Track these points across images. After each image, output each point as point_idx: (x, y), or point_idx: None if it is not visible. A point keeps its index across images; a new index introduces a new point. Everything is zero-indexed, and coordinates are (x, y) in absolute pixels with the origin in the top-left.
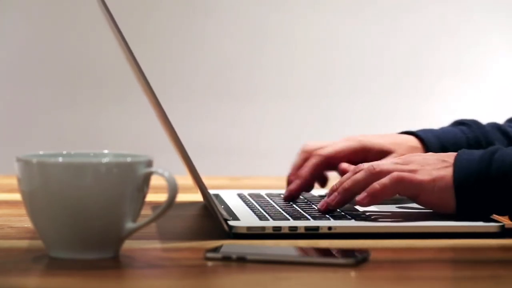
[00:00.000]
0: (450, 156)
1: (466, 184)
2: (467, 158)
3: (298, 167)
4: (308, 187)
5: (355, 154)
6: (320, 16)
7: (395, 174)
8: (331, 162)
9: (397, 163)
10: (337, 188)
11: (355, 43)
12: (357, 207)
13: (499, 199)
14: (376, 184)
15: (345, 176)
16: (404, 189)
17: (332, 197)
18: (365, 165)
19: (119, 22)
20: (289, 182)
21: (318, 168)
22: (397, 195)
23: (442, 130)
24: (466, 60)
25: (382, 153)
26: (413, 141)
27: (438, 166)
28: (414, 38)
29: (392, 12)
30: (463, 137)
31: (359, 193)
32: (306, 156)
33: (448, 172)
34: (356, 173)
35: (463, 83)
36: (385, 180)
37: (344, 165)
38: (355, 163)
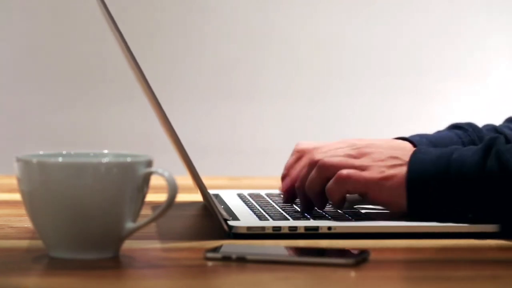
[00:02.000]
0: (406, 154)
1: (420, 185)
2: (422, 157)
3: (290, 166)
4: None
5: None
6: (321, 16)
7: (341, 172)
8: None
9: (349, 156)
10: (298, 187)
11: (356, 44)
12: (357, 207)
13: (456, 200)
14: (326, 189)
15: (303, 173)
16: (352, 187)
17: (300, 203)
18: (317, 157)
19: (119, 22)
20: (283, 187)
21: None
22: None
23: (438, 135)
24: (467, 61)
25: None
26: (408, 147)
27: (390, 163)
28: (415, 39)
29: (393, 13)
30: (458, 142)
31: (317, 190)
32: (299, 156)
33: (400, 171)
34: (309, 166)
35: (464, 84)
36: (332, 182)
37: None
38: None
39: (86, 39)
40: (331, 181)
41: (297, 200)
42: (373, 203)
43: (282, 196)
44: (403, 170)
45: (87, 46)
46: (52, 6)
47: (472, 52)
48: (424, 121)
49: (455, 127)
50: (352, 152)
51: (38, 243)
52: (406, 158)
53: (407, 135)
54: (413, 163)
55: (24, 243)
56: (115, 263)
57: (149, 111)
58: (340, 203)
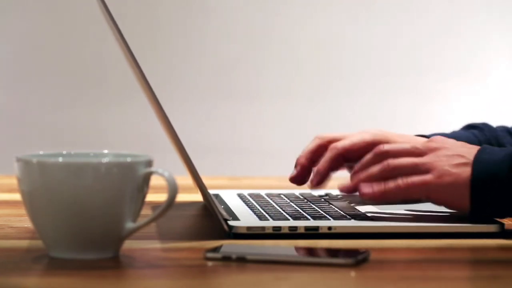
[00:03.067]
0: (471, 152)
1: (483, 186)
2: (487, 158)
3: (311, 152)
4: (324, 181)
5: (369, 148)
6: (321, 16)
7: (406, 181)
8: (346, 154)
9: (414, 153)
10: (357, 171)
11: (356, 44)
12: (357, 207)
13: None
14: (388, 186)
15: (364, 162)
16: (414, 194)
17: (347, 183)
18: (383, 149)
19: (119, 22)
20: (298, 163)
21: (335, 161)
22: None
23: (454, 133)
24: (467, 61)
25: None
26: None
27: (455, 162)
28: (415, 39)
29: (393, 13)
30: (475, 141)
31: (365, 171)
32: (321, 143)
33: (464, 171)
34: (374, 158)
35: (464, 84)
36: (391, 186)
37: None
38: None
39: (86, 39)
40: (392, 184)
41: (297, 200)
42: (435, 203)
43: (282, 195)
44: (467, 170)
45: (87, 46)
46: (52, 6)
47: (472, 52)
48: (424, 121)
49: (471, 126)
50: (421, 148)
51: (38, 243)
52: (472, 156)
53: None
54: (478, 163)
55: (24, 243)
56: (115, 263)
57: (149, 111)
58: (387, 199)
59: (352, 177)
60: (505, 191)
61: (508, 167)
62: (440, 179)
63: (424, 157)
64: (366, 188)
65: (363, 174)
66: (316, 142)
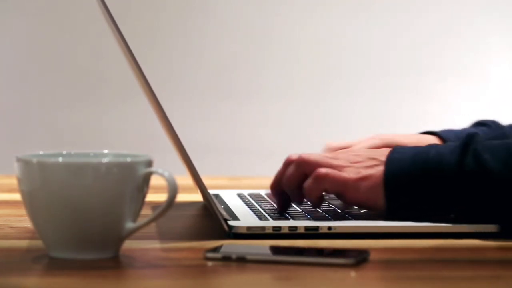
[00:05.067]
0: (382, 154)
1: (397, 184)
2: (399, 157)
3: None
4: None
5: None
6: (321, 16)
7: (319, 170)
8: None
9: (326, 156)
10: (275, 187)
11: (357, 44)
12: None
13: (434, 200)
14: (304, 186)
15: (279, 172)
16: (329, 186)
17: (276, 200)
18: (294, 157)
19: (119, 22)
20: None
21: None
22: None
23: (463, 130)
24: (467, 61)
25: None
26: (434, 140)
27: (367, 164)
28: (415, 39)
29: (393, 13)
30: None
31: (296, 187)
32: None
33: (377, 171)
34: (286, 165)
35: (464, 85)
36: (310, 180)
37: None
38: None
39: (86, 39)
40: (309, 179)
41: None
42: (349, 203)
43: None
44: (380, 169)
45: (87, 46)
46: (52, 6)
47: (472, 52)
48: (425, 121)
49: (479, 124)
50: (329, 155)
51: (38, 243)
52: (384, 157)
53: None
54: (390, 162)
55: (24, 243)
56: (115, 263)
57: (149, 111)
58: (317, 201)
59: (272, 186)
60: (418, 189)
61: (420, 164)
62: (356, 178)
63: (336, 160)
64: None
65: (283, 180)
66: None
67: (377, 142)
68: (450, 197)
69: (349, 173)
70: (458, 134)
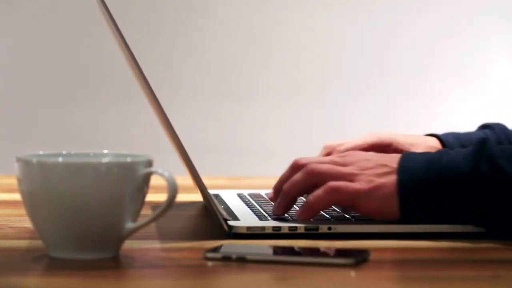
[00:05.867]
0: (393, 160)
1: (412, 192)
2: (411, 165)
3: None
4: None
5: (373, 149)
6: (322, 16)
7: (331, 184)
8: None
9: (336, 163)
10: (278, 190)
11: (357, 44)
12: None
13: (449, 206)
14: (311, 197)
15: (284, 174)
16: (340, 200)
17: (276, 204)
18: (303, 161)
19: (119, 23)
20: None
21: None
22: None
23: (466, 133)
24: (467, 61)
25: (398, 151)
26: (433, 141)
27: (378, 172)
28: (416, 39)
29: (393, 13)
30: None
31: (299, 194)
32: (328, 151)
33: (389, 179)
34: (293, 169)
35: (465, 85)
36: (320, 192)
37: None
38: None
39: (86, 39)
40: (320, 190)
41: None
42: (362, 215)
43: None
44: (392, 178)
45: (87, 46)
46: (53, 6)
47: (472, 53)
48: (425, 121)
49: (484, 126)
50: (339, 161)
51: (38, 243)
52: (395, 164)
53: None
54: (402, 170)
55: (24, 243)
56: (115, 263)
57: (149, 111)
58: (317, 214)
59: (276, 189)
60: (432, 196)
61: (434, 171)
62: (368, 188)
63: (347, 167)
64: (299, 210)
65: (286, 185)
66: (324, 152)
67: (373, 139)
68: (466, 203)
69: (361, 183)
70: (458, 136)
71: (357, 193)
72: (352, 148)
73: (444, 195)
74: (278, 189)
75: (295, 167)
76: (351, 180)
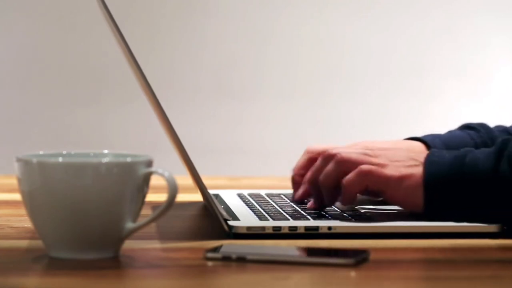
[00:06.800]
0: (420, 155)
1: (436, 186)
2: (437, 160)
3: (302, 167)
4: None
5: None
6: (323, 16)
7: (363, 167)
8: None
9: (366, 154)
10: (311, 180)
11: (357, 44)
12: (357, 207)
13: (469, 202)
14: (344, 182)
15: (316, 166)
16: (371, 183)
17: (314, 197)
18: (334, 151)
19: (119, 23)
20: (294, 182)
21: None
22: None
23: (450, 134)
24: (468, 61)
25: None
26: (420, 147)
27: (407, 164)
28: (416, 39)
29: (393, 13)
30: (471, 143)
31: (332, 184)
32: (311, 156)
33: (417, 171)
34: (325, 159)
35: (466, 85)
36: (352, 176)
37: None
38: None
39: (86, 39)
40: (351, 174)
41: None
42: (389, 201)
43: (282, 195)
44: (419, 170)
45: (87, 46)
46: (53, 6)
47: (473, 53)
48: (426, 122)
49: (467, 127)
50: (368, 152)
51: (38, 243)
52: (422, 159)
53: (409, 135)
54: (429, 164)
55: (24, 243)
56: (115, 263)
57: (149, 111)
58: (354, 198)
59: (309, 180)
60: (454, 192)
61: (457, 168)
62: (398, 175)
63: (377, 158)
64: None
65: (321, 177)
66: (307, 157)
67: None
68: (486, 200)
69: (391, 171)
70: (444, 139)
71: (387, 179)
72: None
73: (464, 192)
74: (312, 180)
75: (327, 157)
76: (381, 168)
